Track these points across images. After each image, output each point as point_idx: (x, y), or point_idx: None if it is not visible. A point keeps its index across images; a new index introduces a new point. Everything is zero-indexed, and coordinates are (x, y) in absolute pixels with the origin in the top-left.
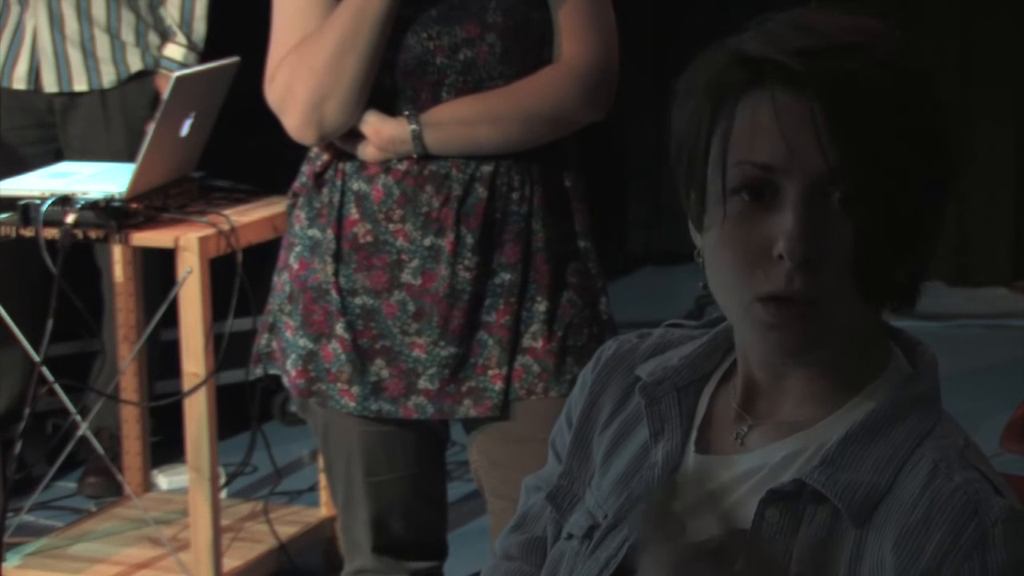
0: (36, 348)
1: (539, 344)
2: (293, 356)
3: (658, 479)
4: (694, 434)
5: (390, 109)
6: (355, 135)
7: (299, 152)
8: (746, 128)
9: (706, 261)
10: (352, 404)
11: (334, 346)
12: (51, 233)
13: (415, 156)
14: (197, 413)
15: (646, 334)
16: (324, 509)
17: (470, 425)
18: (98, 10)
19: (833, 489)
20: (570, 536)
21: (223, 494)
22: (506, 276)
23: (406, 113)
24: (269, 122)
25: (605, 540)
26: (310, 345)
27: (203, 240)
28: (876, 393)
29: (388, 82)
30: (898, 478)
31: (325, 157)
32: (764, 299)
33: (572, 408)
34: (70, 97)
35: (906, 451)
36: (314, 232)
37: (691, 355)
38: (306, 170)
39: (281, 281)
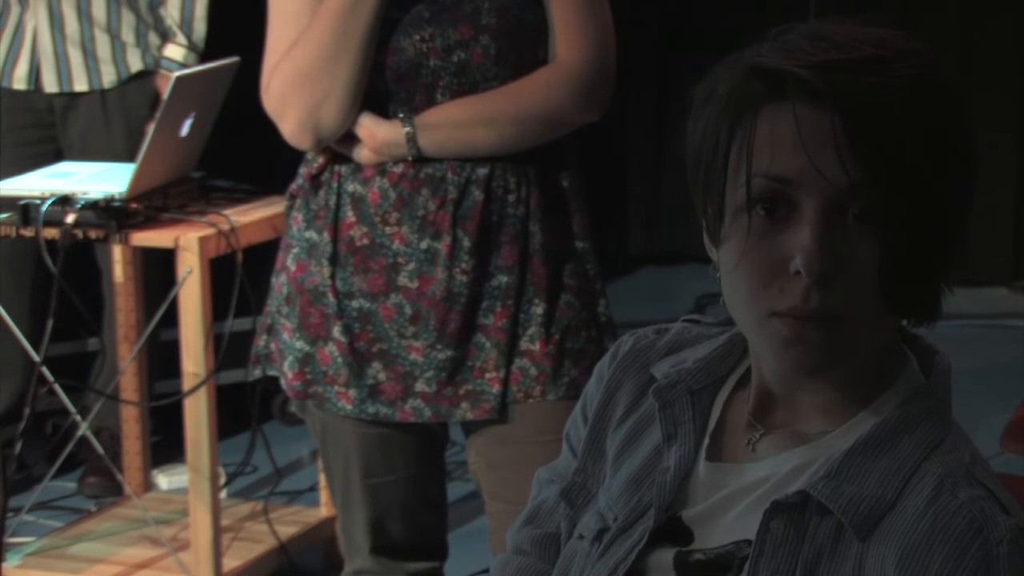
0: (36, 348)
1: (536, 347)
2: (290, 358)
3: (670, 484)
4: (707, 440)
5: (384, 112)
6: (350, 138)
7: (298, 152)
8: (764, 142)
9: (722, 275)
10: (349, 407)
11: (331, 349)
12: (51, 233)
13: (410, 159)
14: (197, 413)
15: (664, 330)
16: (324, 509)
17: (469, 427)
18: (98, 10)
19: (837, 502)
20: (581, 537)
21: (223, 494)
22: (503, 278)
23: (400, 116)
24: (269, 122)
25: (615, 544)
26: (307, 347)
27: (203, 240)
28: (886, 405)
29: (382, 85)
30: (903, 492)
31: (321, 159)
32: (781, 314)
33: (588, 402)
34: (70, 97)
35: (913, 464)
36: (311, 234)
37: (706, 358)
38: (302, 172)
39: (279, 283)
